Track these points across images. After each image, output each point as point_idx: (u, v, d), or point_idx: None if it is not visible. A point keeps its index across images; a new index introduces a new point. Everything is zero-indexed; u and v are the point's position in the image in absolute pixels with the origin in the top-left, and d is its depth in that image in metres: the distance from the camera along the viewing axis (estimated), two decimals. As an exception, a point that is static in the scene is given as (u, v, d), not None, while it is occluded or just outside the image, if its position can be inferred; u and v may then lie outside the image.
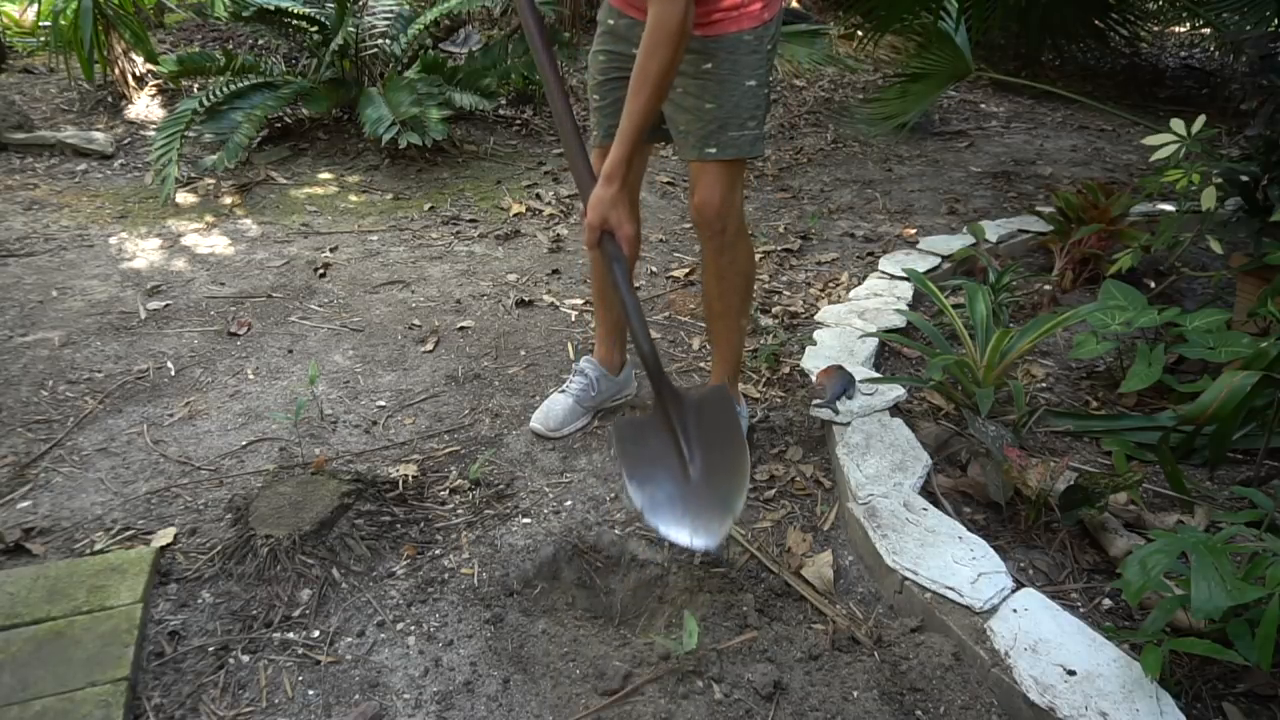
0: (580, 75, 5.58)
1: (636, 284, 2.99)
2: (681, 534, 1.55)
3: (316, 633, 1.55)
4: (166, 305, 2.75)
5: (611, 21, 1.85)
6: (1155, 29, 6.83)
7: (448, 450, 2.08)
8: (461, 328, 2.68)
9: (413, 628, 1.56)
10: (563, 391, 2.17)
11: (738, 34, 1.71)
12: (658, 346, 2.56)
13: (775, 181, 4.18)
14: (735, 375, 2.07)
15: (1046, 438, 2.11)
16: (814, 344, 2.46)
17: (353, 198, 3.78)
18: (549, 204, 3.73)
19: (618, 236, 1.66)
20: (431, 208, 3.67)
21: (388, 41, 4.32)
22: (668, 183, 4.09)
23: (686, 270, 3.11)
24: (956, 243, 3.21)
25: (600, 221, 1.65)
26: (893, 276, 2.93)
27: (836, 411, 2.07)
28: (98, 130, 4.23)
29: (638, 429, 1.72)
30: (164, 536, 1.75)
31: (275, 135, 4.30)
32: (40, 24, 5.11)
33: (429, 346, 2.56)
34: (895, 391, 2.15)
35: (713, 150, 1.76)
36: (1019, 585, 1.57)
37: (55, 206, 3.51)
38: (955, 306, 2.38)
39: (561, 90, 1.72)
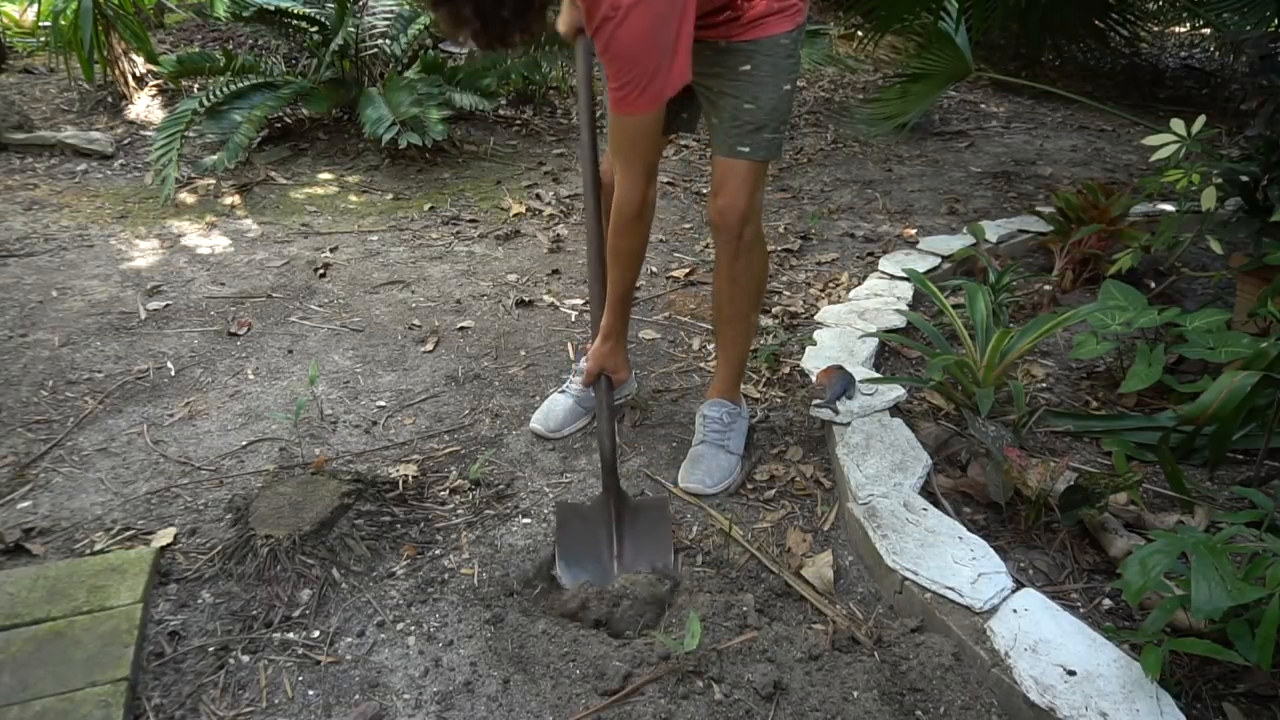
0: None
1: (637, 284, 2.99)
2: None
3: (316, 633, 1.55)
4: (166, 305, 2.75)
5: None
6: (1155, 29, 6.83)
7: (448, 450, 2.08)
8: (461, 328, 2.68)
9: (413, 628, 1.56)
10: (563, 392, 2.17)
11: (774, 37, 1.71)
12: (656, 347, 2.57)
13: (775, 181, 4.18)
14: (738, 381, 2.07)
15: (1046, 438, 2.11)
16: (814, 344, 2.46)
17: (353, 198, 3.78)
18: (549, 204, 3.73)
19: (612, 380, 1.95)
20: (431, 208, 3.67)
21: (388, 41, 4.33)
22: (668, 183, 4.09)
23: (686, 270, 3.11)
24: (956, 243, 3.21)
25: (598, 371, 1.93)
26: (893, 276, 2.93)
27: (836, 411, 2.07)
28: (98, 130, 4.23)
29: (579, 516, 1.81)
30: (164, 536, 1.75)
31: (275, 135, 4.30)
32: (40, 24, 5.12)
33: (429, 346, 2.56)
34: (895, 391, 2.15)
35: (745, 149, 1.76)
36: (1019, 585, 1.57)
37: (55, 206, 3.52)
38: (955, 306, 2.38)
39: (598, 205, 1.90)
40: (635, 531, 1.76)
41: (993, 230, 3.32)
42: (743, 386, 2.18)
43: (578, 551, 1.73)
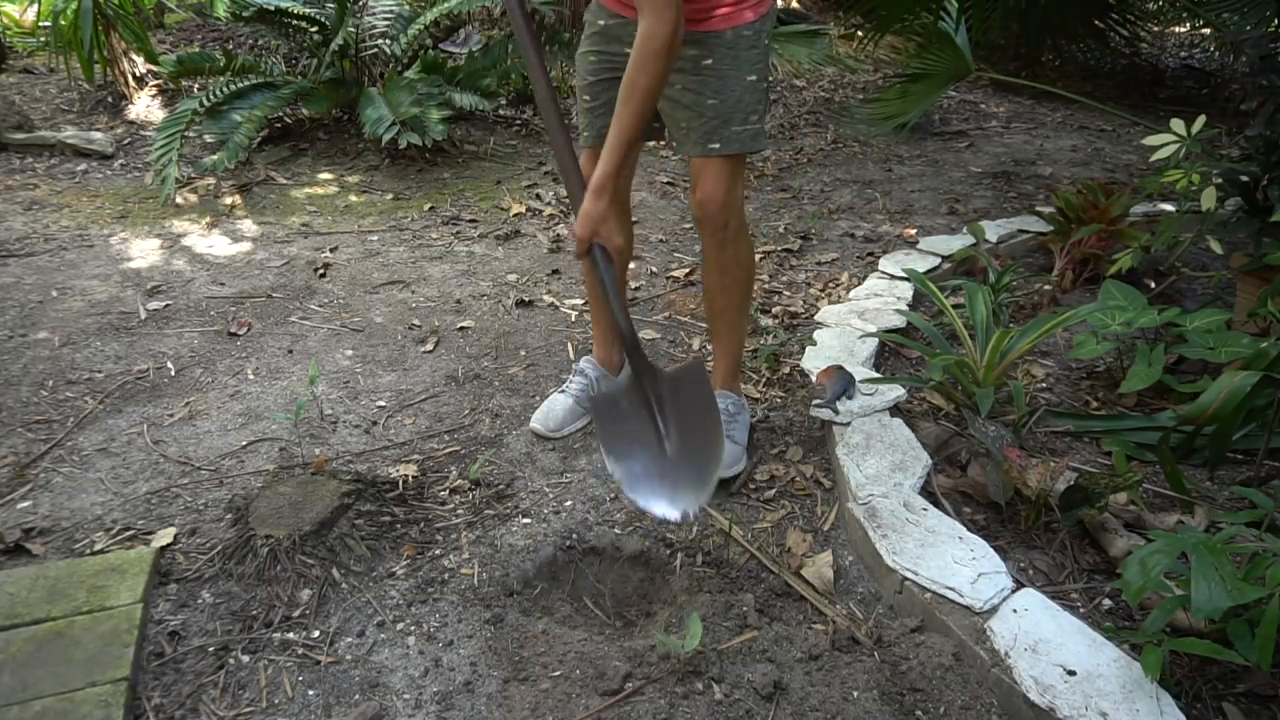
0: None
1: (636, 284, 2.99)
2: (659, 505, 1.56)
3: (316, 633, 1.55)
4: (166, 305, 2.75)
5: (602, 22, 1.85)
6: (1155, 29, 6.83)
7: (448, 450, 2.08)
8: (461, 328, 2.68)
9: (413, 628, 1.56)
10: (563, 391, 2.17)
11: (736, 29, 1.72)
12: (656, 347, 2.57)
13: (775, 181, 4.18)
14: (737, 372, 2.09)
15: (1046, 438, 2.11)
16: (814, 344, 2.46)
17: (353, 198, 3.78)
18: (549, 204, 3.73)
19: (608, 249, 1.68)
20: (431, 208, 3.67)
21: (388, 41, 4.32)
22: (668, 183, 4.09)
23: (686, 270, 3.11)
24: (956, 243, 3.21)
25: (589, 235, 1.66)
26: (893, 276, 2.93)
27: (836, 411, 2.07)
28: (98, 130, 4.23)
29: (614, 405, 1.72)
30: (164, 536, 1.75)
31: (275, 135, 4.30)
32: (40, 24, 5.12)
33: (429, 346, 2.56)
34: (895, 391, 2.15)
35: (716, 145, 1.76)
36: (1019, 585, 1.57)
37: (55, 207, 3.52)
38: (955, 306, 2.38)
39: (553, 96, 1.72)
40: (679, 407, 1.66)
41: (993, 230, 3.32)
42: (743, 387, 2.19)
43: (624, 443, 1.65)
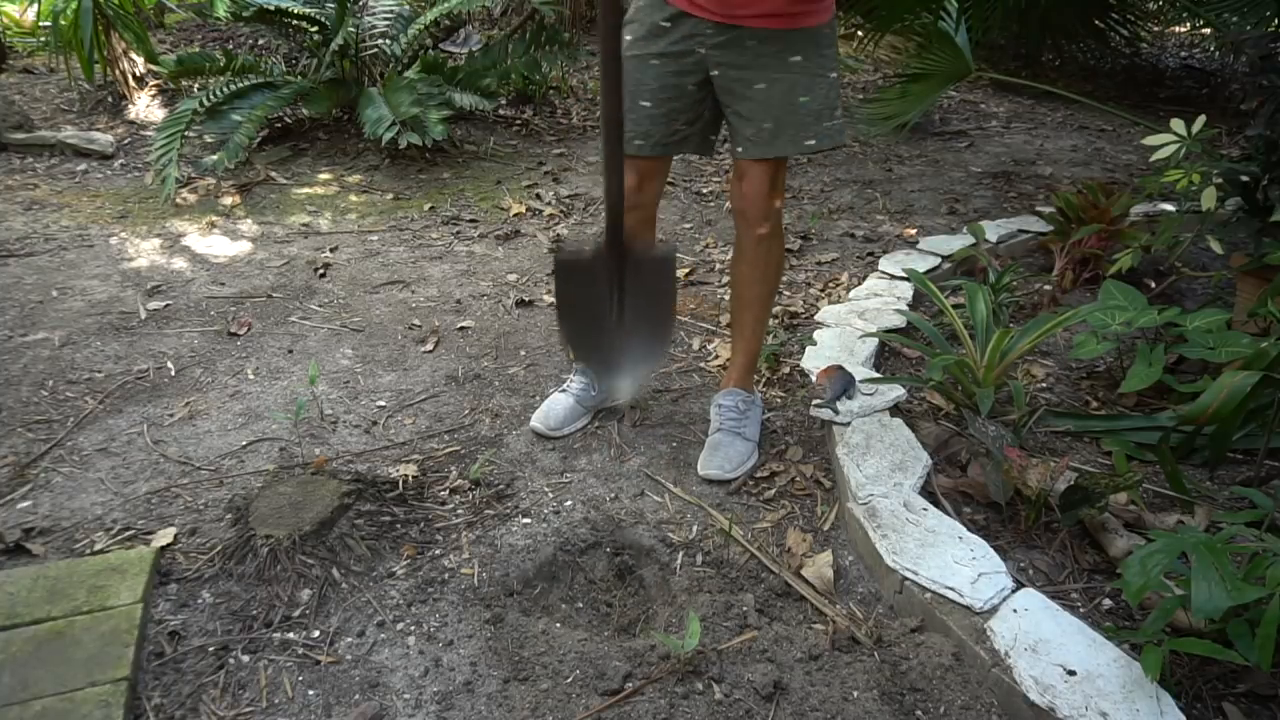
0: (580, 75, 5.58)
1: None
2: (603, 375, 1.76)
3: (316, 633, 1.55)
4: (166, 305, 2.75)
5: (667, 24, 1.76)
6: (1155, 29, 6.83)
7: (448, 450, 2.08)
8: (461, 328, 2.68)
9: (413, 628, 1.56)
10: (563, 391, 2.17)
11: (819, 26, 1.73)
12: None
13: (775, 181, 4.17)
14: (753, 368, 2.12)
15: (1046, 438, 2.11)
16: (814, 344, 2.46)
17: (353, 198, 3.78)
18: (549, 204, 3.73)
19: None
20: (431, 208, 3.67)
21: (388, 41, 4.33)
22: (668, 183, 4.08)
23: (686, 270, 3.10)
24: (956, 243, 3.21)
25: None
26: (893, 276, 2.93)
27: (836, 411, 2.07)
28: (98, 130, 4.23)
29: (578, 268, 1.72)
30: (164, 536, 1.75)
31: (275, 135, 4.30)
32: (40, 24, 5.12)
33: (429, 346, 2.56)
34: (895, 391, 2.15)
35: (811, 142, 1.79)
36: (1019, 585, 1.57)
37: (55, 206, 3.51)
38: (955, 306, 2.38)
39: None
40: (637, 288, 1.68)
41: (993, 230, 3.31)
42: (743, 386, 2.19)
43: (577, 309, 1.73)
